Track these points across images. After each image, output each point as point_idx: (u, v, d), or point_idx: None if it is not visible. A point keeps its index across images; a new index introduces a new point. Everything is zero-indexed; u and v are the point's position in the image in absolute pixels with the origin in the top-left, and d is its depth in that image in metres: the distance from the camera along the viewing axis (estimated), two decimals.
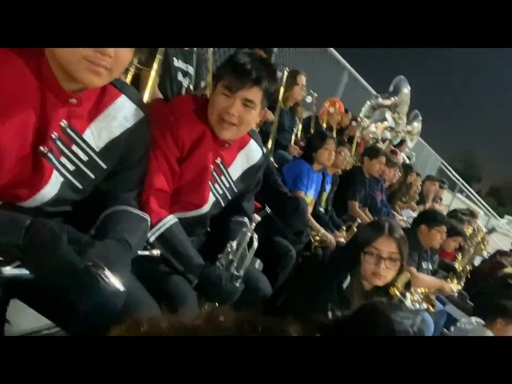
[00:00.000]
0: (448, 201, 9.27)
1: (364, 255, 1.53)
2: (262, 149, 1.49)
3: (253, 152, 1.44)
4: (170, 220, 1.25)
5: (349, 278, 1.53)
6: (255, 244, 1.27)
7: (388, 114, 5.44)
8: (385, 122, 5.63)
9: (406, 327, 1.00)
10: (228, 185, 1.41)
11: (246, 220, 1.49)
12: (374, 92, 5.82)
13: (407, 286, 1.61)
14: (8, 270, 0.78)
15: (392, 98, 4.91)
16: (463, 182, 12.22)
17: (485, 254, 5.62)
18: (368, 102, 5.03)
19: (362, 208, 3.52)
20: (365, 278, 1.53)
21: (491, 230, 5.53)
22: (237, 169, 1.42)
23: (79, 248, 0.85)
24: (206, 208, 1.37)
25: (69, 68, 0.87)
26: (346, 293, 1.50)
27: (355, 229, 2.78)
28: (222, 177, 1.39)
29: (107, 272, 0.82)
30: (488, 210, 14.25)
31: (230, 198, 1.44)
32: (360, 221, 2.88)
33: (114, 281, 0.82)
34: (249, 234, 1.26)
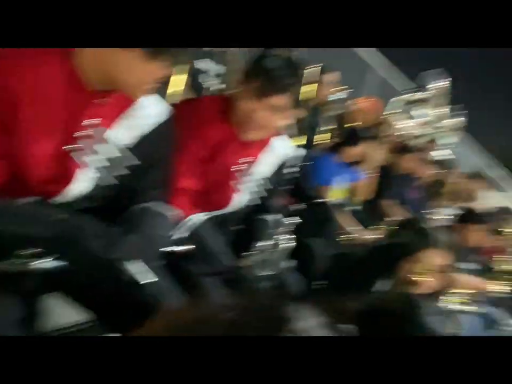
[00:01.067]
0: (492, 200, 8.85)
1: (410, 264, 1.49)
2: (289, 145, 1.49)
3: (279, 149, 1.45)
4: (197, 218, 1.28)
5: (384, 281, 1.50)
6: (289, 244, 1.27)
7: (424, 110, 5.28)
8: (422, 118, 5.46)
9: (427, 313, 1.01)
10: (256, 183, 1.41)
11: (272, 217, 1.49)
12: (408, 86, 5.65)
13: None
14: (40, 263, 0.82)
15: (427, 93, 4.76)
16: (507, 179, 11.66)
17: None
18: (402, 97, 4.90)
19: (397, 206, 3.44)
20: (401, 281, 1.49)
21: None
22: (264, 167, 1.42)
23: (107, 242, 0.89)
24: (232, 208, 1.39)
25: (121, 86, 0.93)
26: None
27: (388, 228, 2.72)
28: (250, 176, 1.40)
29: (134, 264, 0.85)
30: None
31: (259, 196, 1.45)
32: (394, 219, 2.81)
33: (142, 272, 0.85)
34: (281, 234, 1.26)
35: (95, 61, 0.91)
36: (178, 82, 1.79)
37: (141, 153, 1.08)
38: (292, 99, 1.27)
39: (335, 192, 2.70)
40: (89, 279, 0.86)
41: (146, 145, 1.08)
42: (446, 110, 4.98)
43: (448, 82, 4.70)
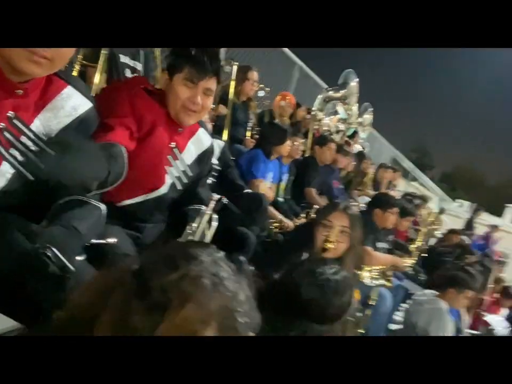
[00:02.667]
0: (402, 188, 9.69)
1: (318, 227, 1.63)
2: (211, 136, 1.57)
3: (203, 139, 1.52)
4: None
5: (305, 254, 1.62)
6: (214, 224, 1.31)
7: (340, 107, 5.63)
8: (338, 115, 5.82)
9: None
10: (182, 169, 1.46)
11: (203, 207, 1.52)
12: (325, 85, 5.98)
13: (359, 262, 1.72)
14: None
15: (342, 91, 5.09)
16: (416, 170, 12.79)
17: (438, 234, 5.97)
18: (320, 96, 5.18)
19: (320, 196, 3.65)
20: (317, 250, 1.62)
21: (441, 211, 5.88)
22: (190, 154, 1.48)
23: (28, 236, 0.87)
24: (163, 189, 1.42)
25: (11, 58, 0.89)
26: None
27: (314, 215, 2.89)
28: (177, 161, 1.44)
29: (56, 252, 0.84)
30: (441, 195, 15.01)
31: (185, 181, 1.49)
32: (318, 207, 2.98)
33: (63, 261, 0.85)
34: (208, 213, 1.30)
35: None
36: (99, 77, 1.75)
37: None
38: (218, 82, 1.37)
39: (265, 186, 2.81)
40: (12, 271, 0.83)
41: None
42: (356, 107, 5.36)
43: (356, 80, 5.05)
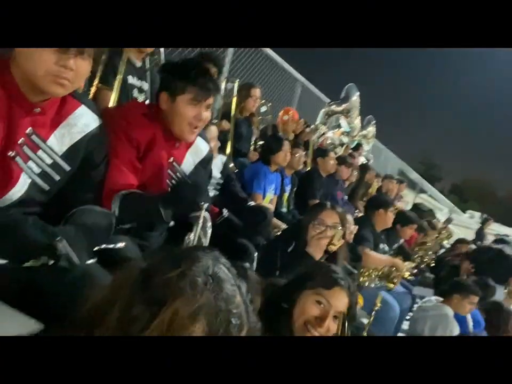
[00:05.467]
0: (410, 200, 9.69)
1: (312, 225, 1.78)
2: (208, 143, 1.65)
3: (201, 148, 1.60)
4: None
5: (293, 244, 1.80)
6: (209, 231, 1.39)
7: (343, 120, 5.75)
8: (341, 128, 5.93)
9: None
10: (183, 179, 1.54)
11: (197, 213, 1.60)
12: (327, 100, 6.11)
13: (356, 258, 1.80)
14: None
15: (344, 105, 5.21)
16: (424, 182, 12.75)
17: (447, 244, 5.96)
18: (323, 110, 5.30)
19: None
20: (310, 245, 1.74)
21: (448, 221, 5.87)
22: (189, 165, 1.56)
23: (44, 232, 0.97)
24: None
25: (35, 81, 1.00)
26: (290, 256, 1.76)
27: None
28: (178, 174, 1.52)
29: (65, 243, 0.94)
30: (451, 206, 14.93)
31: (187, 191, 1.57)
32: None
33: (70, 253, 0.94)
34: (201, 222, 1.37)
35: (18, 66, 0.99)
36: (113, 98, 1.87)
37: (72, 159, 1.16)
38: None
39: (267, 198, 2.89)
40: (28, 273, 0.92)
41: (77, 152, 1.17)
42: (358, 120, 5.46)
43: (358, 94, 5.17)
